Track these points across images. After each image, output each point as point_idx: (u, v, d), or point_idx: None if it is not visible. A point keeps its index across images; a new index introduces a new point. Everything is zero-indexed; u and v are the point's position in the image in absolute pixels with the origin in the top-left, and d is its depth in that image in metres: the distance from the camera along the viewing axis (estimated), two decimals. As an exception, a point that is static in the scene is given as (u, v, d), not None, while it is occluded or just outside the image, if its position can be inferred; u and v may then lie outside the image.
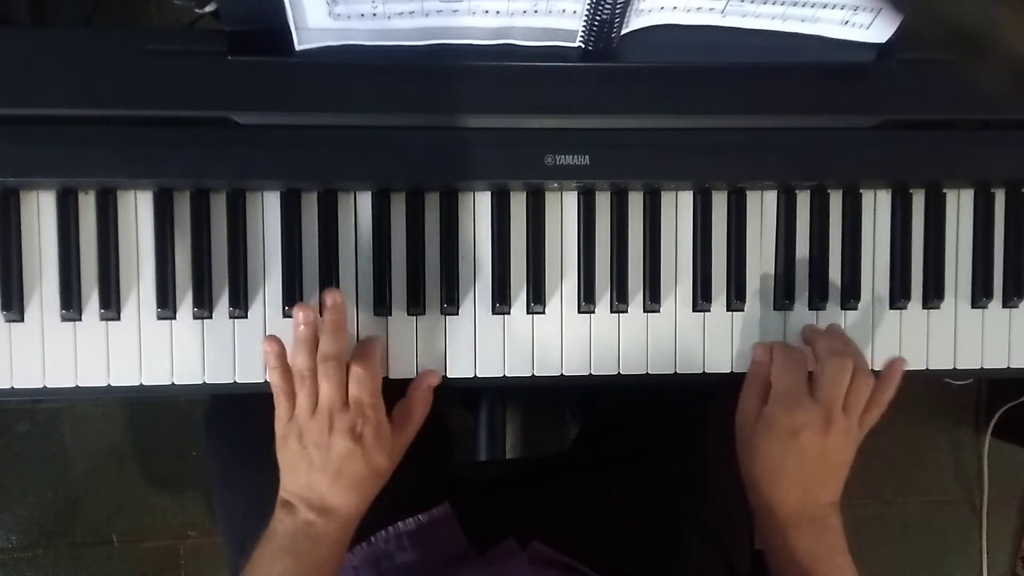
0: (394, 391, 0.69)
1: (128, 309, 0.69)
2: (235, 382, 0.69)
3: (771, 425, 0.65)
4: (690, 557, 0.78)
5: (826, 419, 0.64)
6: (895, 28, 0.68)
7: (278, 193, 0.69)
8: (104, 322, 0.68)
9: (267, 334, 0.67)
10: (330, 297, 0.66)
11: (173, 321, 0.69)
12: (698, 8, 0.65)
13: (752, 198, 0.72)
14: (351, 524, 0.66)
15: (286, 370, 0.65)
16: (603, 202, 0.71)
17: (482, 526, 0.77)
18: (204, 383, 0.69)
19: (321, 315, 0.66)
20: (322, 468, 0.63)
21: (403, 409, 0.68)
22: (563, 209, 0.71)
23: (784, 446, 0.64)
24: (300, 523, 0.63)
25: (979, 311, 0.75)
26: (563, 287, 0.72)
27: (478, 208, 0.71)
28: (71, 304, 0.67)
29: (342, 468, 0.63)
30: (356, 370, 0.63)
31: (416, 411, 0.68)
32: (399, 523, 0.75)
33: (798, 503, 0.65)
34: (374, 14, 0.62)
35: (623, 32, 0.66)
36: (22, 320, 0.68)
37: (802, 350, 0.69)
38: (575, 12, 0.64)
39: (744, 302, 0.72)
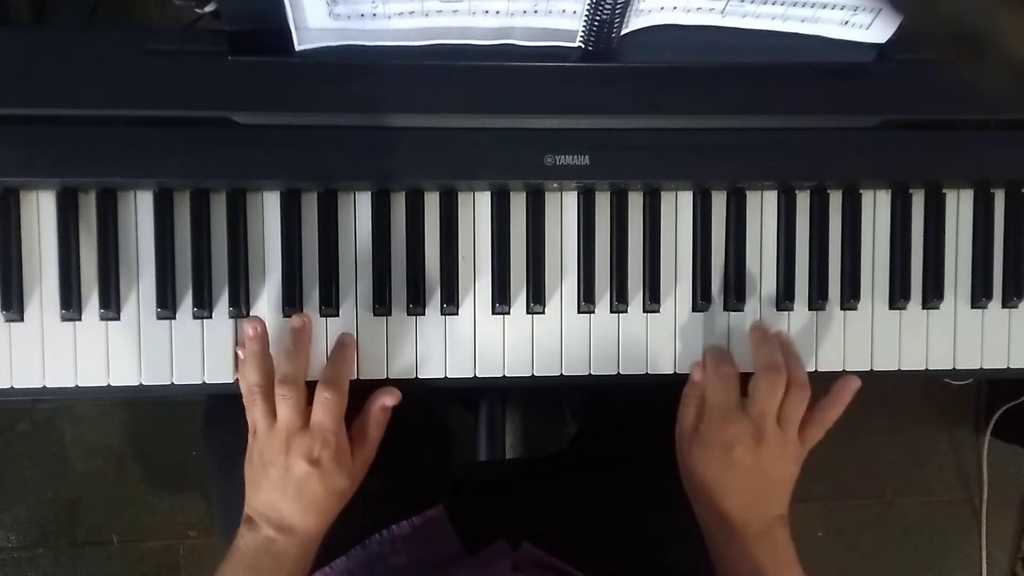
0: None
1: (128, 309, 0.69)
2: (235, 382, 0.69)
3: (705, 441, 0.66)
4: (682, 556, 0.78)
5: (757, 433, 0.64)
6: (895, 28, 0.68)
7: (278, 193, 0.69)
8: (104, 322, 0.68)
9: (242, 361, 0.67)
10: (296, 319, 0.67)
11: (173, 321, 0.69)
12: (698, 8, 0.65)
13: (752, 198, 0.72)
14: (313, 542, 0.66)
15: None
16: (603, 202, 0.71)
17: (478, 527, 0.77)
18: (204, 383, 0.69)
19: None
20: (280, 487, 0.63)
21: (359, 429, 0.67)
22: (563, 209, 0.71)
23: (719, 461, 0.65)
24: (261, 540, 0.63)
25: (979, 311, 0.75)
26: (563, 287, 0.72)
27: (478, 208, 0.71)
28: (71, 304, 0.67)
29: (301, 489, 0.63)
30: (323, 396, 0.62)
31: (371, 432, 0.67)
32: (393, 526, 0.75)
33: (740, 516, 0.65)
34: (374, 14, 0.62)
35: (623, 32, 0.66)
36: (22, 320, 0.68)
37: (733, 364, 0.68)
38: (575, 12, 0.64)
39: (744, 302, 0.72)
